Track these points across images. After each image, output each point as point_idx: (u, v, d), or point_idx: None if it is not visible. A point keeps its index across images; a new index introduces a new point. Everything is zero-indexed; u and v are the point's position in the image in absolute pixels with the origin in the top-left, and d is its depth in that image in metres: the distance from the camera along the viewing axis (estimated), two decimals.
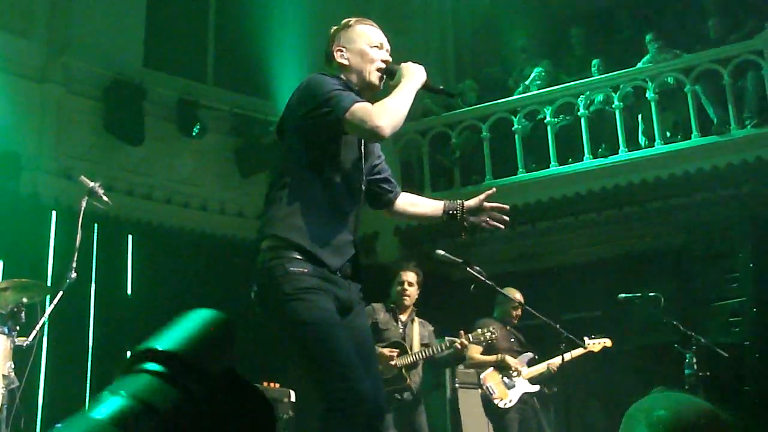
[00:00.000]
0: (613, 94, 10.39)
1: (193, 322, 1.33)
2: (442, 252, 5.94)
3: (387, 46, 3.58)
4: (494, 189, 3.80)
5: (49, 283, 7.41)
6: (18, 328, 5.74)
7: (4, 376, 5.58)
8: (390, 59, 3.55)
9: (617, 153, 10.17)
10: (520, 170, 10.67)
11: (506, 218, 3.77)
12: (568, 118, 10.73)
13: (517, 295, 7.46)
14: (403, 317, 6.63)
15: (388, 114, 3.25)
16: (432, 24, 13.18)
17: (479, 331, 6.69)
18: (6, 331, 5.66)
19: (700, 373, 7.29)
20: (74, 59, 10.04)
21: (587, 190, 10.21)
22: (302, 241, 3.25)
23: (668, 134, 10.05)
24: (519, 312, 7.56)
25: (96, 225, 8.68)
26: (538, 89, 11.02)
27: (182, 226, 10.82)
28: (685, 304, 9.22)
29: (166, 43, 11.53)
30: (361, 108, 3.24)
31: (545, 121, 10.68)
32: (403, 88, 3.37)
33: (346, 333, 3.28)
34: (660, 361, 8.69)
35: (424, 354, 6.48)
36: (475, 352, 7.41)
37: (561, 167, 10.48)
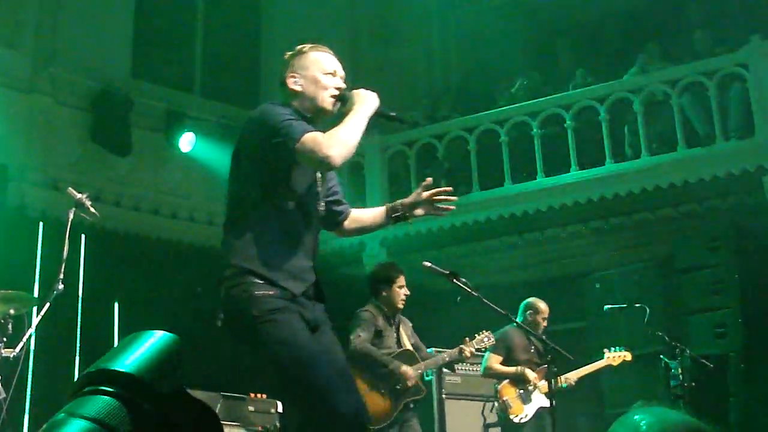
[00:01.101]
0: (599, 105, 10.42)
1: (144, 343, 1.36)
2: (428, 263, 5.93)
3: (341, 72, 3.59)
4: (429, 179, 3.88)
5: (36, 295, 7.37)
6: (5, 339, 5.72)
7: None
8: (344, 86, 3.57)
9: (603, 165, 10.20)
10: (507, 182, 10.68)
11: (453, 198, 3.85)
12: (554, 129, 10.74)
13: (542, 305, 7.39)
14: (392, 321, 6.61)
15: (338, 144, 3.26)
16: (419, 36, 13.23)
17: (478, 337, 6.68)
18: None
19: (686, 384, 7.33)
20: (62, 70, 10.03)
21: (574, 202, 10.21)
22: (261, 270, 3.28)
23: (654, 146, 10.08)
24: (544, 323, 7.36)
25: (83, 236, 8.65)
26: (522, 101, 11.05)
27: (170, 237, 10.80)
28: (670, 314, 9.27)
29: (153, 54, 11.54)
30: (311, 138, 3.25)
31: (531, 132, 10.70)
32: (354, 116, 3.39)
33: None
34: (646, 372, 8.72)
35: (436, 362, 6.56)
36: (495, 362, 7.30)
37: (547, 179, 10.49)
